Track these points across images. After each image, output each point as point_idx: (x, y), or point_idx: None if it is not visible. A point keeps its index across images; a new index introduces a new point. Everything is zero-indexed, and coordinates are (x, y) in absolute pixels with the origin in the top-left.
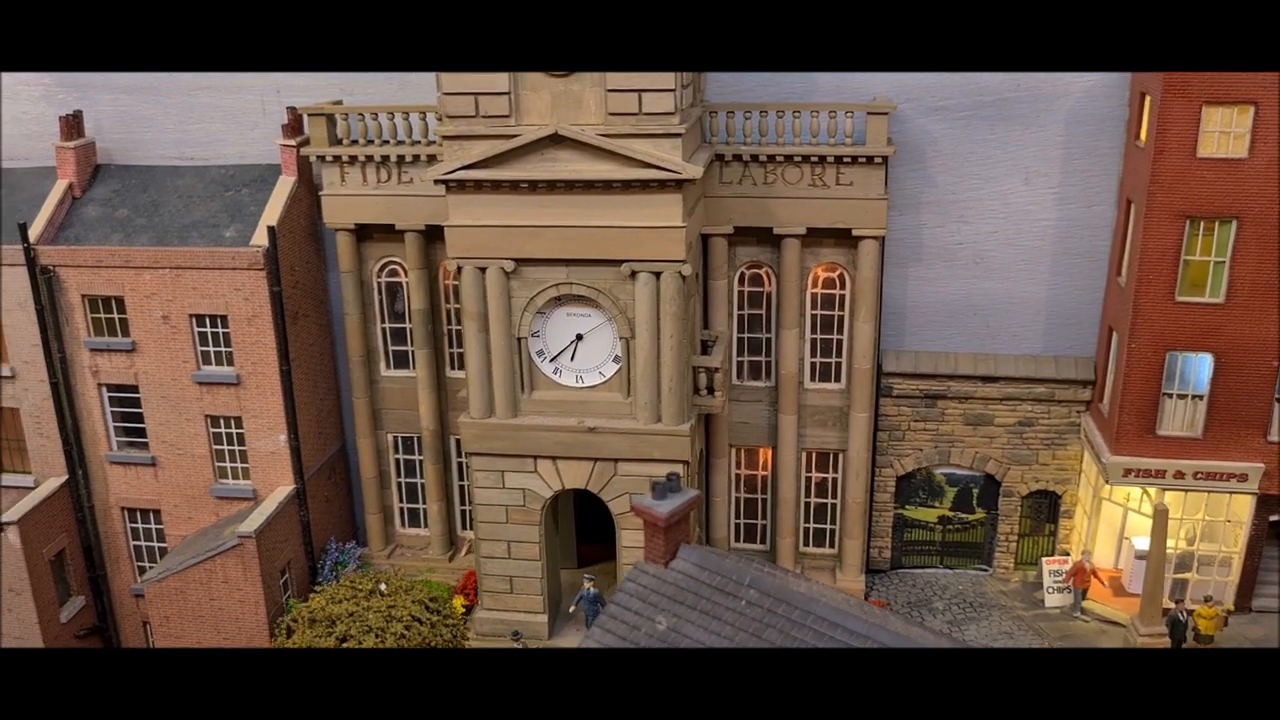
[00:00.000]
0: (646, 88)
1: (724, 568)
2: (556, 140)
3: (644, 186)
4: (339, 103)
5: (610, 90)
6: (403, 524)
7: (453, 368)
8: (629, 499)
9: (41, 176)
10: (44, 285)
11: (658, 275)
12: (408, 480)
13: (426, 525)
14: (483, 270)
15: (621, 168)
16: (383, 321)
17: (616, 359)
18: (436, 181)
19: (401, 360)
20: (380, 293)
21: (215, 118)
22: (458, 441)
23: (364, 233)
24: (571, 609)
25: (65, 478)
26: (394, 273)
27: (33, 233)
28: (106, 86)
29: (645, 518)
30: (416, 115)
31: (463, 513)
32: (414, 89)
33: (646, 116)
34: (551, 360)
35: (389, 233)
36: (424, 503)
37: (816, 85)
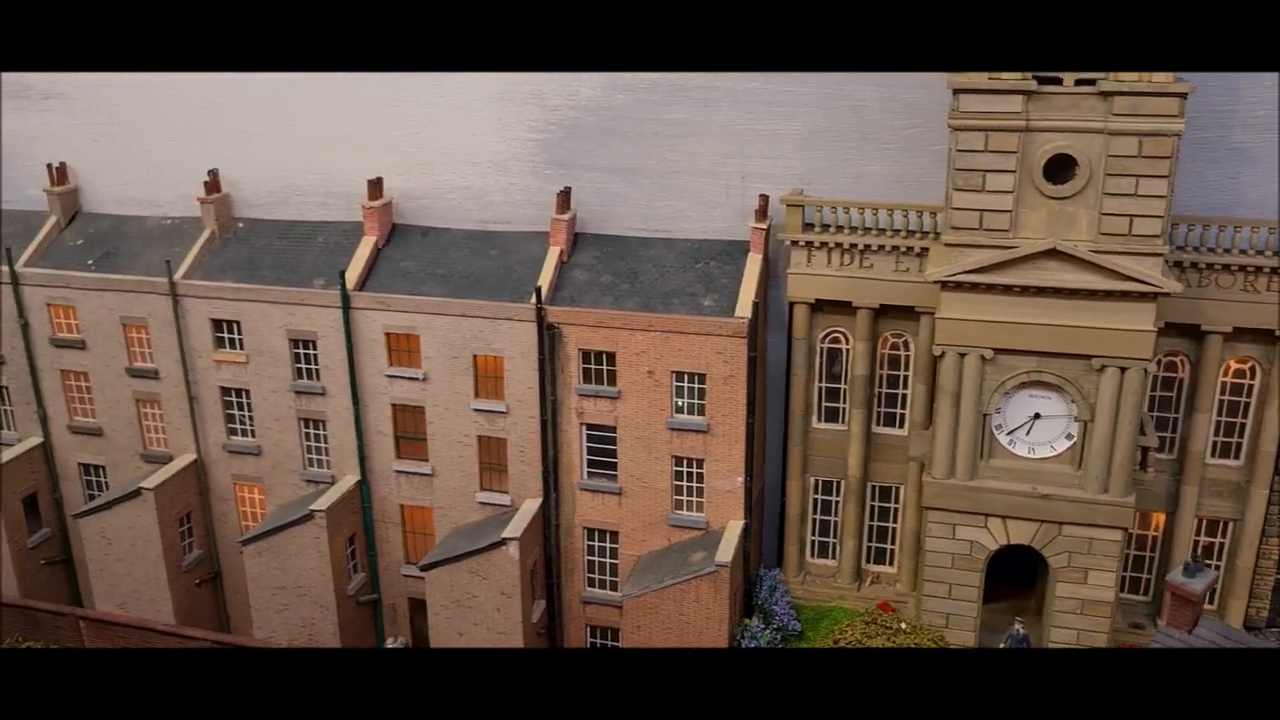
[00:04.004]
0: (1139, 213)
1: (1244, 639)
2: (1051, 253)
3: (1124, 296)
4: (801, 191)
5: (1105, 214)
6: (812, 554)
7: (878, 424)
8: (1076, 561)
9: (528, 240)
10: (548, 338)
11: (1122, 370)
12: (822, 518)
13: (834, 557)
14: (962, 355)
15: (1107, 279)
16: (819, 381)
17: (1069, 436)
18: (937, 281)
19: (831, 415)
20: (821, 356)
21: (683, 196)
22: (874, 487)
23: (817, 306)
24: (1001, 646)
25: (540, 499)
26: (835, 340)
27: (531, 294)
28: (589, 165)
29: (1179, 593)
30: (884, 211)
31: (869, 548)
32: (869, 182)
33: (1135, 237)
34: (1009, 433)
35: (838, 307)
36: (834, 537)
37: (1240, 197)
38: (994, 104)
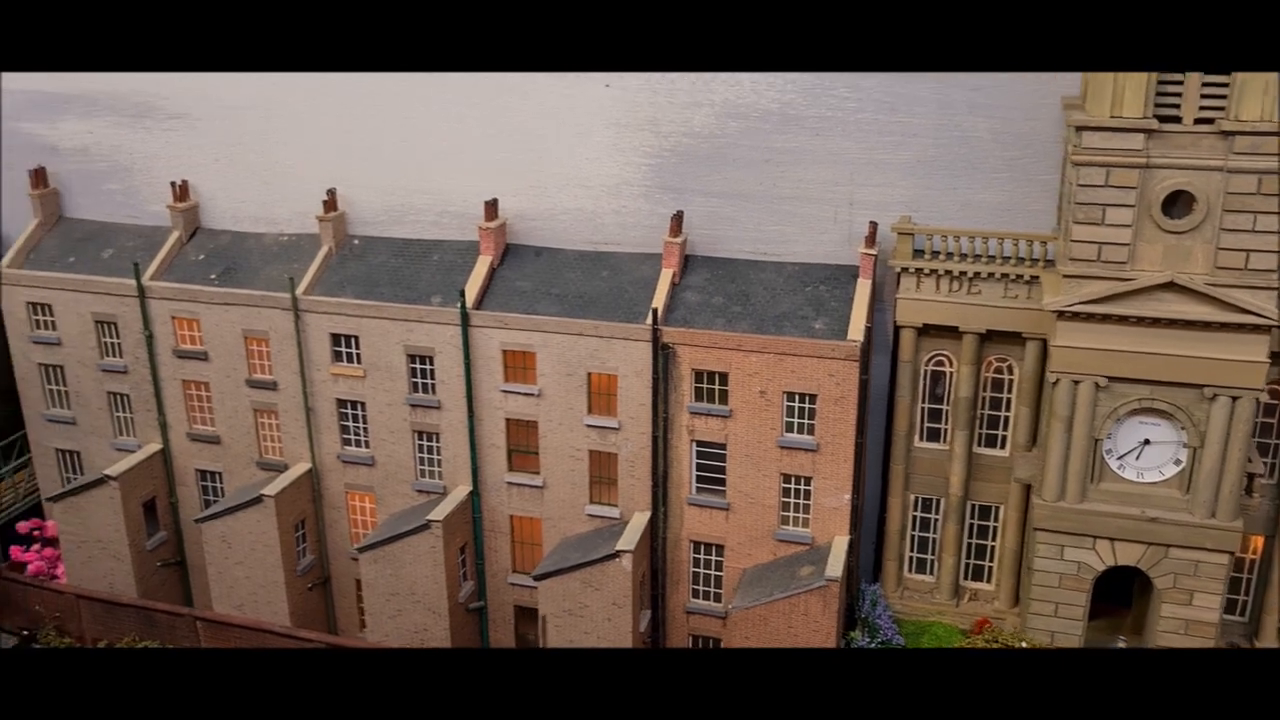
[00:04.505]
0: (1256, 248)
1: None
2: (1168, 286)
3: (1238, 328)
4: (909, 218)
5: (1221, 248)
6: (909, 570)
7: (979, 445)
8: (1182, 583)
9: (638, 261)
10: (662, 358)
11: (1234, 398)
12: (920, 534)
13: (931, 573)
14: (1076, 383)
15: (1222, 312)
16: (922, 402)
17: (1177, 462)
18: (1054, 311)
19: (932, 435)
20: (925, 379)
21: (790, 221)
22: (973, 505)
23: (922, 329)
24: None
25: (649, 513)
26: (939, 363)
27: (648, 314)
28: (700, 190)
29: None
30: (995, 239)
31: (966, 565)
32: (976, 210)
33: (1251, 271)
34: (1119, 458)
35: (944, 331)
36: (932, 554)
37: None
38: (1116, 141)
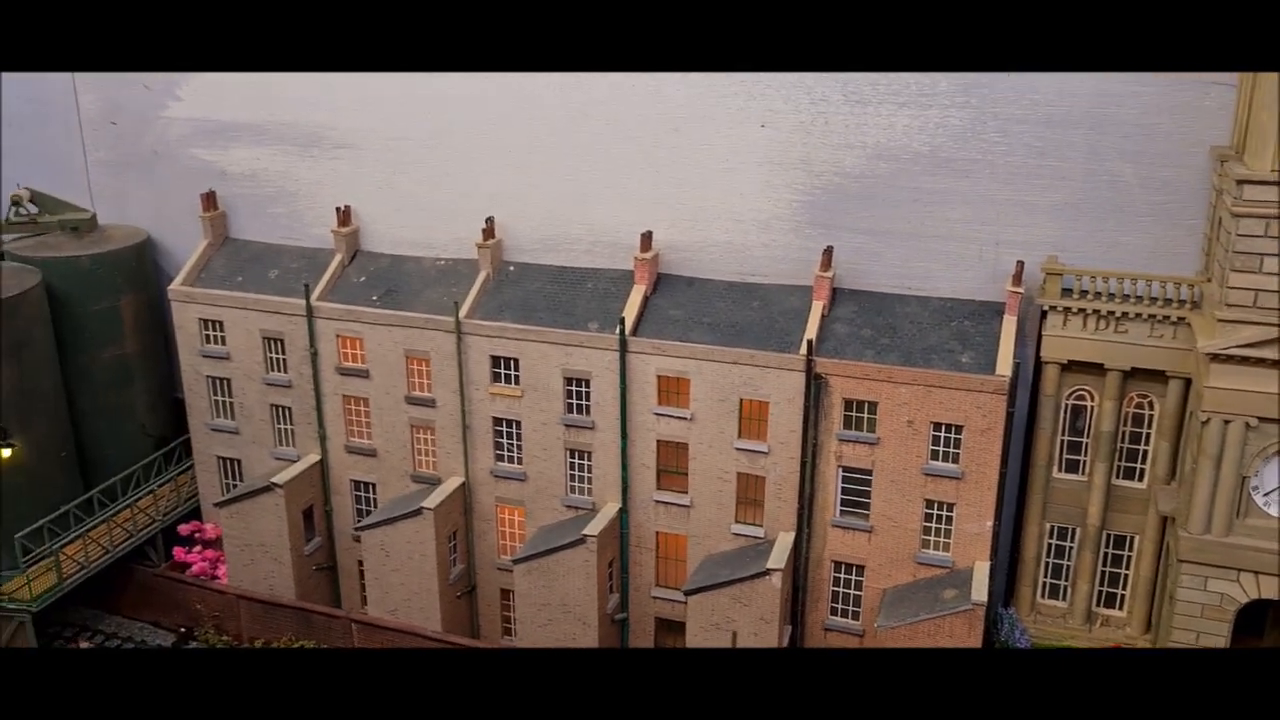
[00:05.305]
0: None
1: None
2: None
3: None
4: (1056, 258)
5: None
6: (1042, 595)
7: (1117, 477)
8: None
9: (787, 293)
10: (814, 387)
11: None
12: (1054, 561)
13: (1063, 599)
14: (1227, 422)
15: None
16: (1062, 434)
17: None
18: (1209, 354)
19: (1070, 466)
20: (1066, 412)
21: (935, 258)
22: (1108, 535)
23: (1066, 365)
24: None
25: (793, 533)
26: (1080, 398)
27: (802, 345)
28: (848, 226)
29: None
30: (1143, 281)
31: (1099, 592)
32: (1122, 251)
33: None
34: (1264, 494)
35: (1086, 367)
36: (1065, 580)
37: None
38: (1276, 194)
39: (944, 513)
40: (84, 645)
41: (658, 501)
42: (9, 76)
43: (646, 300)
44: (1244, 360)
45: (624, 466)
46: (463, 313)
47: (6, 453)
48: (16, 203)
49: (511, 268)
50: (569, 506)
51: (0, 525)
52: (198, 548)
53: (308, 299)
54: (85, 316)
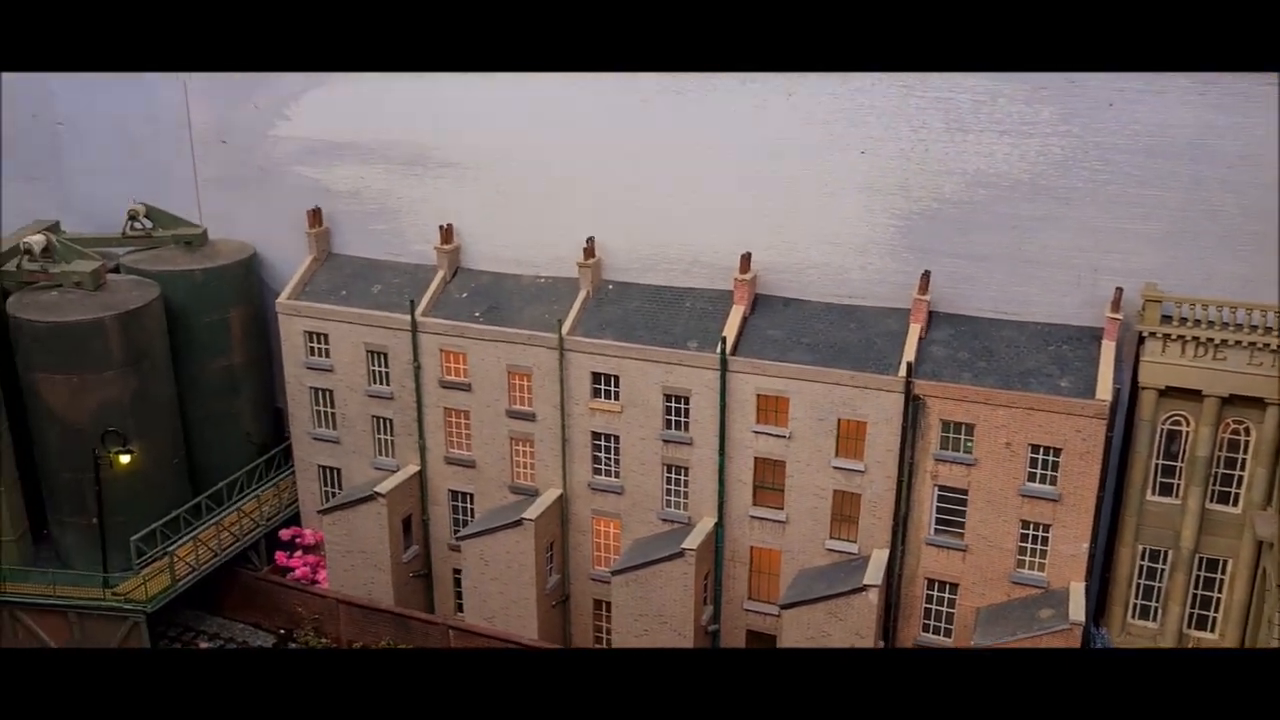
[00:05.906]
0: None
1: None
2: None
3: None
4: (1155, 285)
5: None
6: (1133, 616)
7: (1210, 501)
8: None
9: (884, 315)
10: (912, 408)
11: None
12: (1145, 583)
13: (1154, 620)
14: None
15: None
16: (1156, 458)
17: None
18: None
19: (1164, 489)
20: (1161, 436)
21: (1032, 283)
22: (1201, 558)
23: (1163, 391)
24: None
25: (887, 550)
26: (1176, 423)
27: (901, 367)
28: (946, 251)
29: None
30: (1244, 309)
31: (1190, 614)
32: (1220, 279)
33: None
34: None
35: (1183, 392)
36: (1155, 601)
37: None
38: None
39: (1040, 533)
40: (204, 646)
41: (753, 517)
42: (128, 92)
43: (745, 320)
44: None
45: (721, 482)
46: (565, 330)
47: (125, 459)
48: (133, 217)
49: (610, 286)
50: (664, 520)
51: (115, 529)
52: (298, 552)
53: (413, 314)
54: (197, 328)
